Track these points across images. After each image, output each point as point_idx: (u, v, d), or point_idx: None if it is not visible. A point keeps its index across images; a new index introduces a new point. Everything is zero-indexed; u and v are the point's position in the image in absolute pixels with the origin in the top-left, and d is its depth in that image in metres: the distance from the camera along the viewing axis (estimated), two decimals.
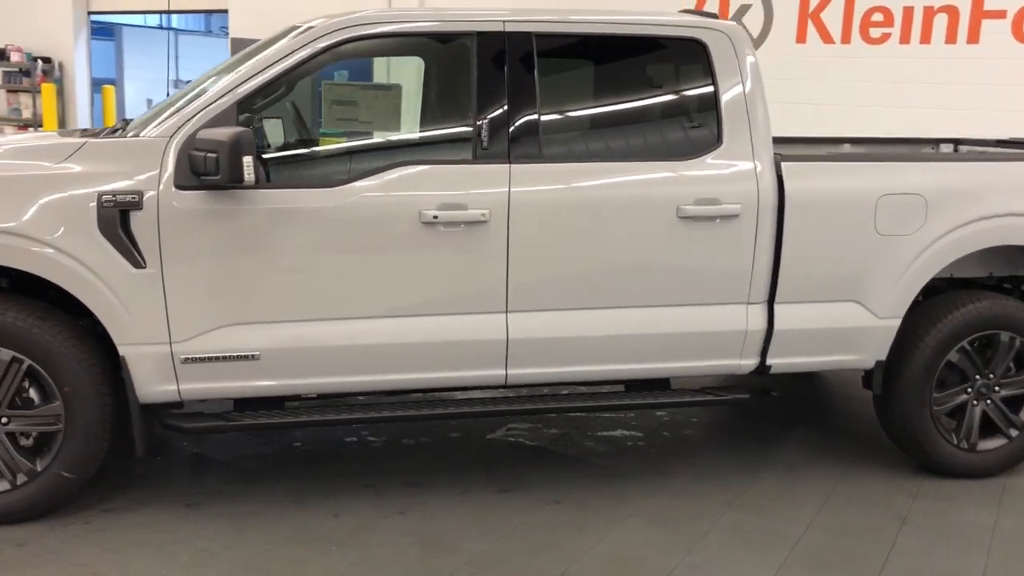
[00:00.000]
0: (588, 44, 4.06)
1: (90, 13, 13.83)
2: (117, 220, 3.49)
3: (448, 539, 3.68)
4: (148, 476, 4.15)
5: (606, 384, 4.28)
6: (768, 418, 5.23)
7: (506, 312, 3.85)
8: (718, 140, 3.99)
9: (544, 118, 3.87)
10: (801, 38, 8.93)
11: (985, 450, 4.43)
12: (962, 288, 4.47)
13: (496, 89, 3.82)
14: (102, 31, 16.99)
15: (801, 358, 4.22)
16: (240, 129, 3.41)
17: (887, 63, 8.63)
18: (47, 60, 13.44)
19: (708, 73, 4.01)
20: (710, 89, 4.01)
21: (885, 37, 8.68)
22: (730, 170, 3.97)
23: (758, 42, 9.06)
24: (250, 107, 3.75)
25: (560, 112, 4.01)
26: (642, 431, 4.93)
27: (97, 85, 13.78)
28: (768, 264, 4.06)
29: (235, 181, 3.39)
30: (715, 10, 9.21)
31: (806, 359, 4.23)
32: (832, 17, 8.77)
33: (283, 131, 4.17)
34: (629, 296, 3.96)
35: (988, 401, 4.40)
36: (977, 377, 4.37)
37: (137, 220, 3.51)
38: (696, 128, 4.10)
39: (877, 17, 8.65)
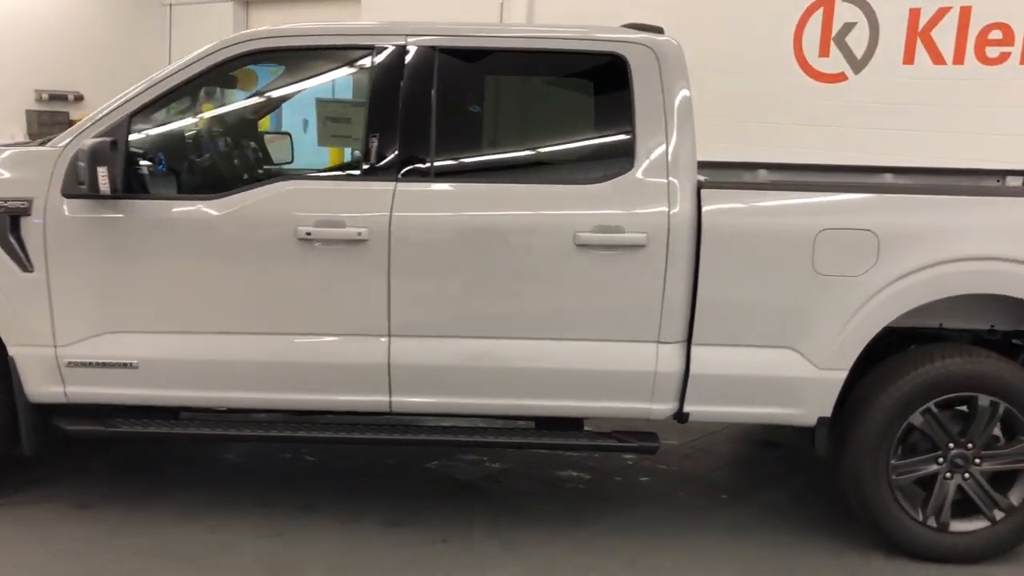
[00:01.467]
0: (498, 59, 3.83)
1: None
2: (8, 225, 3.62)
3: (300, 567, 3.55)
4: (59, 476, 4.25)
5: (520, 419, 4.01)
6: (752, 471, 4.74)
7: (389, 336, 3.69)
8: (630, 163, 3.66)
9: (440, 137, 3.69)
10: (909, 58, 8.12)
11: (960, 532, 3.79)
12: (952, 342, 3.87)
13: (389, 105, 3.68)
14: None
15: (725, 407, 3.78)
16: (97, 140, 3.46)
17: (1005, 86, 7.72)
18: None
19: (626, 90, 3.69)
20: (627, 108, 3.68)
21: (1004, 57, 7.75)
22: (638, 197, 3.63)
23: (861, 64, 8.36)
24: (148, 119, 3.80)
25: (458, 131, 3.81)
26: (594, 473, 4.59)
27: None
28: (684, 301, 3.67)
29: (92, 191, 3.43)
30: (818, 29, 8.60)
31: (731, 409, 3.79)
32: (944, 35, 7.94)
33: (198, 144, 4.20)
34: (523, 327, 3.70)
35: (966, 475, 3.77)
36: (951, 446, 3.76)
37: (27, 226, 3.63)
38: (607, 149, 3.79)
39: (995, 35, 7.75)
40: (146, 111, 3.73)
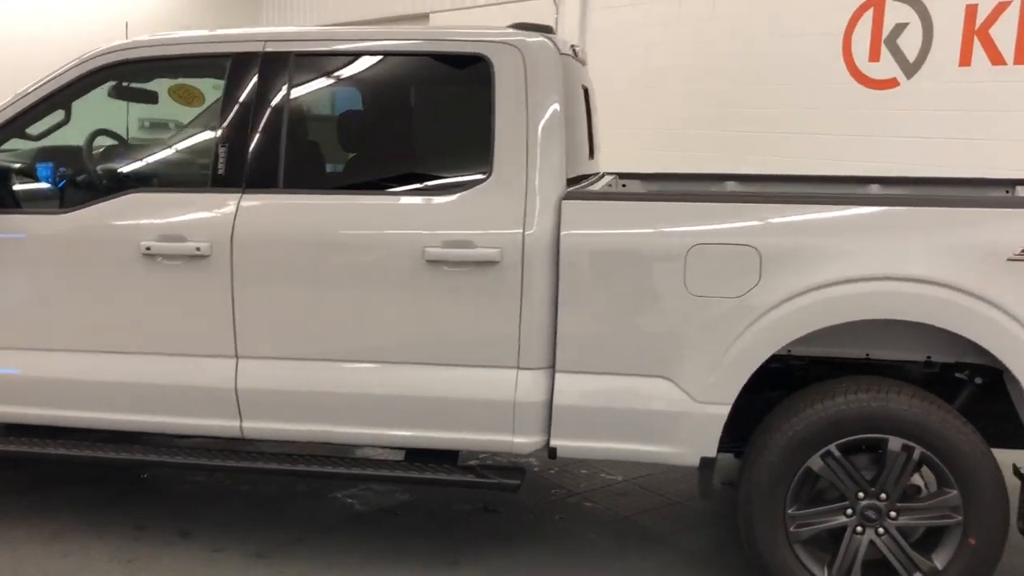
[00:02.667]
0: (358, 64, 3.59)
1: None
2: None
3: None
4: None
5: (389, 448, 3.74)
6: (690, 513, 4.27)
7: (235, 358, 3.50)
8: (488, 173, 3.35)
9: (291, 145, 3.49)
10: (965, 60, 7.37)
11: None
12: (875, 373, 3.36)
13: (240, 113, 3.52)
14: None
15: (595, 443, 3.38)
16: None
17: None
18: None
19: (489, 94, 3.39)
20: (488, 114, 3.38)
21: None
22: (492, 209, 3.32)
23: (914, 67, 7.65)
24: (18, 130, 3.75)
25: (312, 139, 3.60)
26: (509, 508, 4.24)
27: None
28: (545, 322, 3.33)
29: None
30: (868, 31, 7.94)
31: (602, 445, 3.38)
32: (1004, 33, 7.15)
33: (66, 156, 4.09)
34: (374, 350, 3.44)
35: (880, 530, 3.24)
36: (860, 495, 3.24)
37: None
38: (465, 158, 3.49)
39: None
40: (13, 125, 3.69)
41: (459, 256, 3.30)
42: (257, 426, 3.55)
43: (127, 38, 3.73)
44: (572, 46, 3.97)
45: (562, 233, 3.26)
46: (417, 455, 3.62)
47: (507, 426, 3.38)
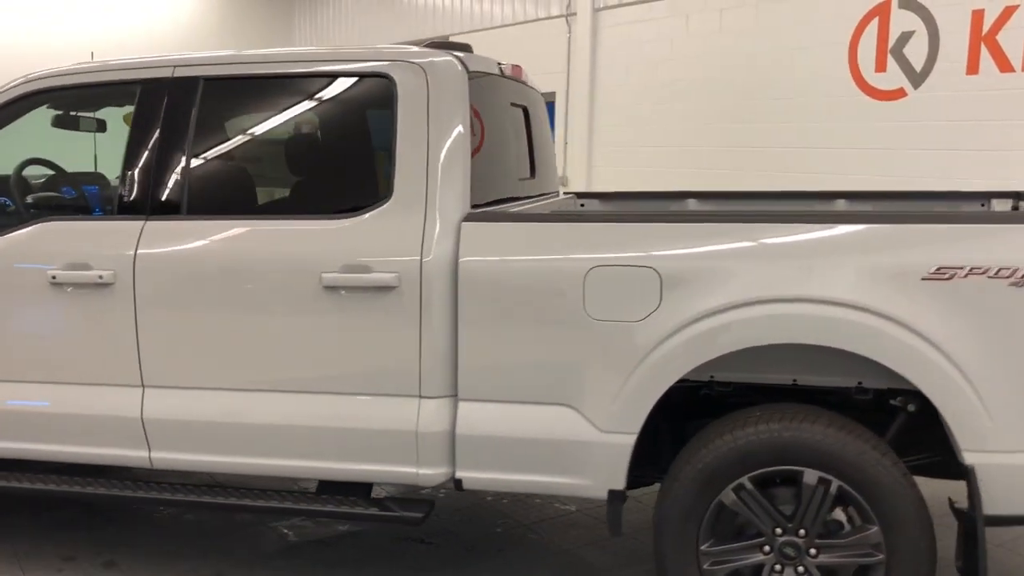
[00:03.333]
0: (266, 86, 3.53)
1: None
2: None
3: None
4: None
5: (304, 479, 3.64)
6: (642, 547, 4.08)
7: (142, 387, 3.45)
8: (388, 196, 3.25)
9: (196, 170, 3.45)
10: (973, 68, 7.08)
11: None
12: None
13: (145, 139, 3.49)
14: None
15: (501, 474, 3.24)
16: None
17: None
18: None
19: (391, 115, 3.30)
20: (390, 135, 3.29)
21: None
22: (390, 232, 3.22)
23: (921, 76, 7.38)
24: None
25: (217, 164, 3.54)
26: (448, 538, 4.11)
27: None
28: (446, 349, 3.20)
29: None
30: (873, 41, 7.68)
31: (508, 476, 3.24)
32: (1012, 39, 6.85)
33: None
34: (277, 379, 3.35)
35: (800, 569, 3.04)
36: (778, 532, 3.04)
37: None
38: (365, 181, 3.39)
39: None
40: None
41: (356, 281, 3.20)
42: (165, 456, 3.49)
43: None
44: (500, 64, 3.86)
45: (460, 257, 3.14)
46: (330, 487, 3.51)
47: (411, 457, 3.26)
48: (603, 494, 3.15)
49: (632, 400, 3.06)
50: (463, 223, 3.18)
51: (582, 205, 4.87)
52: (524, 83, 4.21)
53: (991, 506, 2.87)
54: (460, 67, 3.35)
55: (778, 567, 3.05)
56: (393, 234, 3.21)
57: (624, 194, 4.97)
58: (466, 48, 3.60)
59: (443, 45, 3.57)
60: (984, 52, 7.00)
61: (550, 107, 11.14)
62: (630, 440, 3.09)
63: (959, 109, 7.14)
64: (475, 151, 3.39)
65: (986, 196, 4.43)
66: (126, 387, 3.47)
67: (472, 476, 3.26)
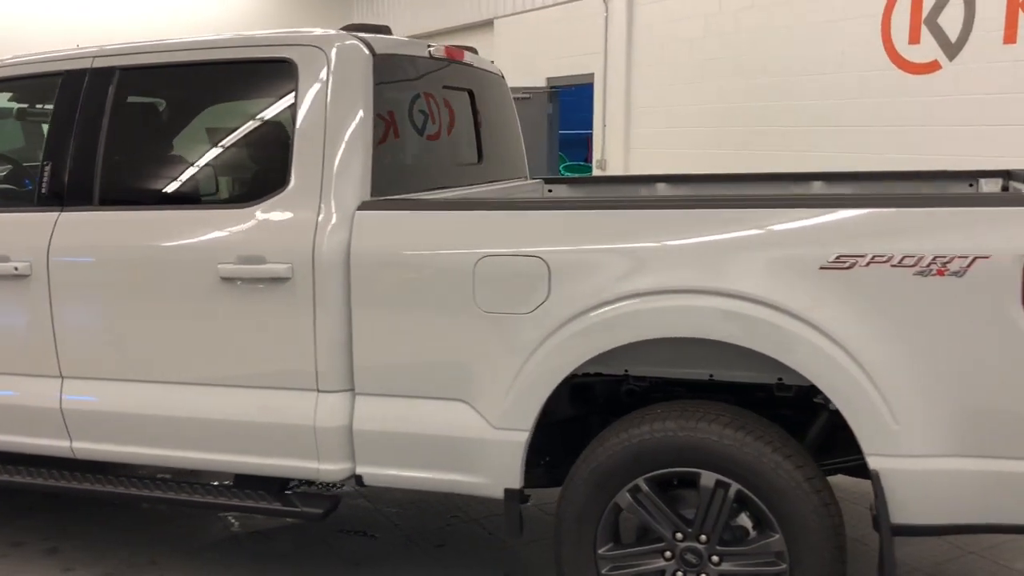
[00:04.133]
0: (177, 75, 3.47)
1: None
2: None
3: None
4: None
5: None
6: None
7: (60, 377, 3.47)
8: (283, 185, 3.17)
9: (109, 160, 3.43)
10: (1010, 37, 6.61)
11: None
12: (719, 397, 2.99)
13: (62, 131, 3.49)
14: None
15: (399, 470, 3.13)
16: None
17: None
18: None
19: (292, 100, 3.21)
20: (289, 121, 3.21)
21: None
22: (284, 221, 3.14)
23: (956, 48, 6.93)
24: None
25: (129, 153, 3.50)
26: (395, 535, 4.04)
27: None
28: (342, 343, 3.11)
29: None
30: (907, 11, 7.25)
31: (406, 473, 3.13)
32: None
33: None
34: (183, 371, 3.32)
35: (702, 575, 2.86)
36: (678, 536, 2.87)
37: None
38: (263, 169, 3.32)
39: None
40: None
41: (251, 273, 3.13)
42: (86, 447, 3.50)
43: None
44: (429, 46, 3.73)
45: (352, 246, 3.04)
46: (246, 481, 3.47)
47: (311, 452, 3.19)
48: (499, 493, 3.02)
49: (524, 395, 2.92)
50: (357, 212, 3.07)
51: (550, 191, 4.71)
52: (470, 65, 4.07)
53: (899, 514, 2.63)
54: (365, 50, 3.24)
55: (680, 574, 2.87)
56: (287, 224, 3.13)
57: (597, 179, 4.81)
58: (383, 30, 3.48)
59: (359, 27, 3.46)
60: (1022, 19, 6.52)
61: (588, 89, 10.91)
62: (522, 437, 2.94)
63: (995, 82, 6.68)
64: (383, 138, 3.28)
65: (975, 176, 4.11)
66: (46, 377, 3.49)
67: (372, 472, 3.17)
